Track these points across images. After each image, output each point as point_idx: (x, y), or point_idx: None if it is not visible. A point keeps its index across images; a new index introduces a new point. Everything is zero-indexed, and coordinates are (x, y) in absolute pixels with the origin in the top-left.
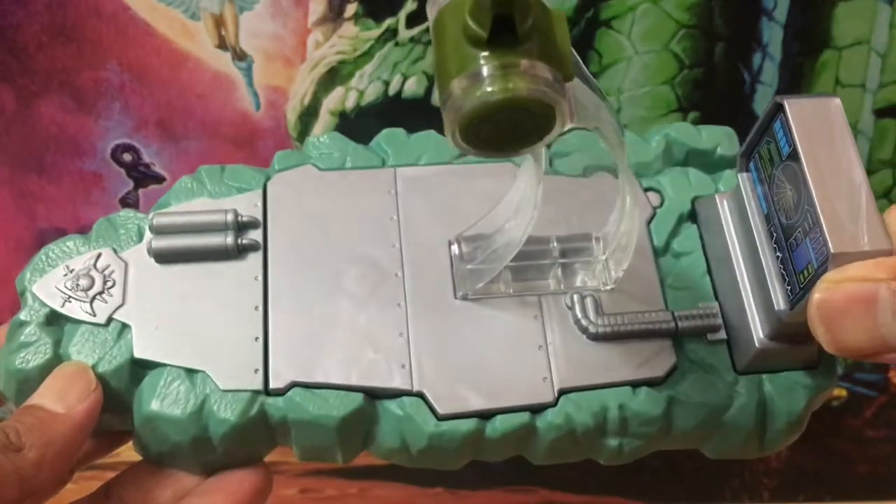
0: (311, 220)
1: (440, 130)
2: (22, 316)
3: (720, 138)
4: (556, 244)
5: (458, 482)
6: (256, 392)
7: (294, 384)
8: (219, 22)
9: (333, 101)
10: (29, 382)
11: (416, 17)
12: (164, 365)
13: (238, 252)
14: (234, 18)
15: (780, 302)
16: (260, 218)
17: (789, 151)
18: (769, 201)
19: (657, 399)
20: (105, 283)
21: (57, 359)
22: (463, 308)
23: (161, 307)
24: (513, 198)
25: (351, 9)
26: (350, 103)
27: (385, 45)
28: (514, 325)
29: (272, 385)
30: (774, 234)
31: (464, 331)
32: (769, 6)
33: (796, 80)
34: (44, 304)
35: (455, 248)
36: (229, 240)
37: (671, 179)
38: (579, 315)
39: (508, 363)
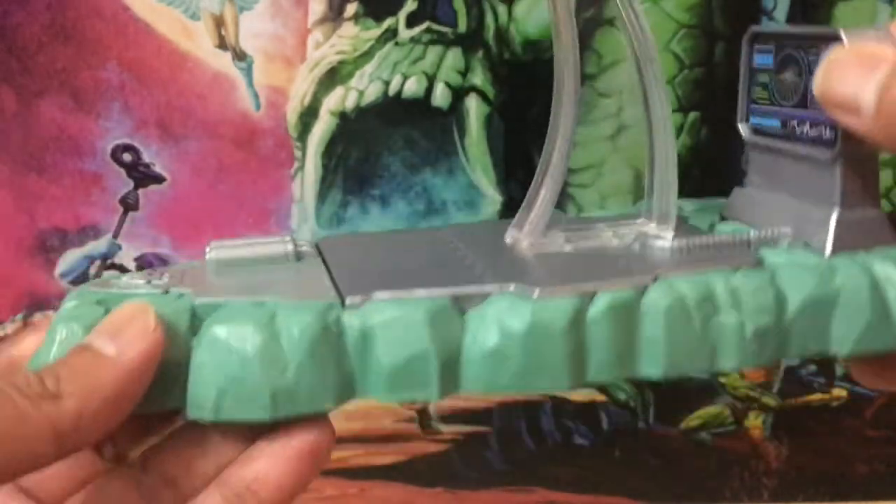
0: (365, 252)
1: (440, 130)
2: (67, 304)
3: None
4: (604, 226)
5: (458, 482)
6: (332, 304)
7: (371, 299)
8: (219, 22)
9: (333, 101)
10: None
11: (416, 17)
12: (227, 302)
13: (297, 258)
14: (234, 18)
15: (825, 153)
16: (313, 250)
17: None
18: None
19: (759, 274)
20: (161, 276)
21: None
22: (527, 252)
23: (219, 282)
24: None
25: (351, 9)
26: (350, 103)
27: (385, 45)
28: (589, 248)
29: (348, 300)
30: (793, 120)
31: (536, 256)
32: (769, 6)
33: None
34: (92, 293)
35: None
36: (289, 247)
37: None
38: (655, 230)
39: (595, 260)
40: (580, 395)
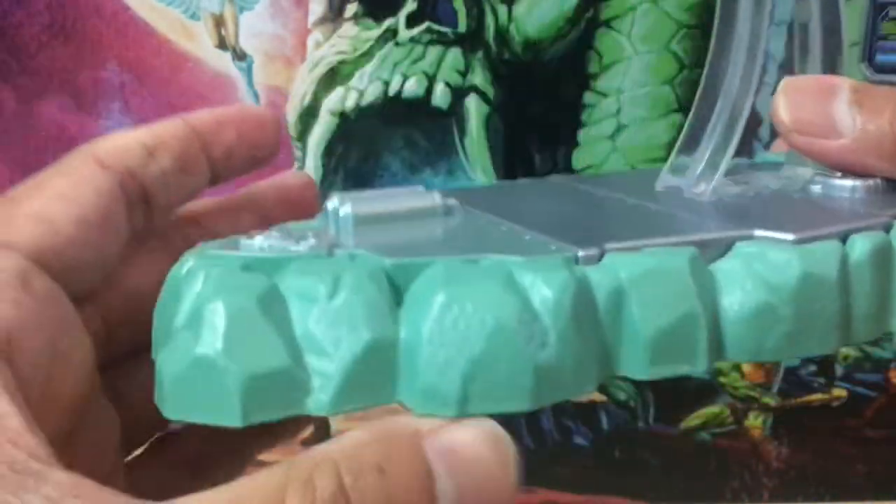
0: (508, 202)
1: (440, 130)
2: (196, 284)
3: None
4: (755, 172)
5: None
6: (568, 259)
7: (609, 250)
8: (219, 22)
9: (333, 101)
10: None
11: (416, 17)
12: (432, 262)
13: (445, 213)
14: (234, 18)
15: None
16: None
17: None
18: None
19: None
20: (303, 235)
21: (276, 290)
22: (720, 201)
23: (385, 238)
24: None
25: (351, 9)
26: (350, 103)
27: (385, 45)
28: (789, 196)
29: (581, 253)
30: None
31: (745, 204)
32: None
33: None
34: (231, 257)
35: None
36: (437, 199)
37: None
38: (841, 182)
39: (820, 207)
40: (580, 396)
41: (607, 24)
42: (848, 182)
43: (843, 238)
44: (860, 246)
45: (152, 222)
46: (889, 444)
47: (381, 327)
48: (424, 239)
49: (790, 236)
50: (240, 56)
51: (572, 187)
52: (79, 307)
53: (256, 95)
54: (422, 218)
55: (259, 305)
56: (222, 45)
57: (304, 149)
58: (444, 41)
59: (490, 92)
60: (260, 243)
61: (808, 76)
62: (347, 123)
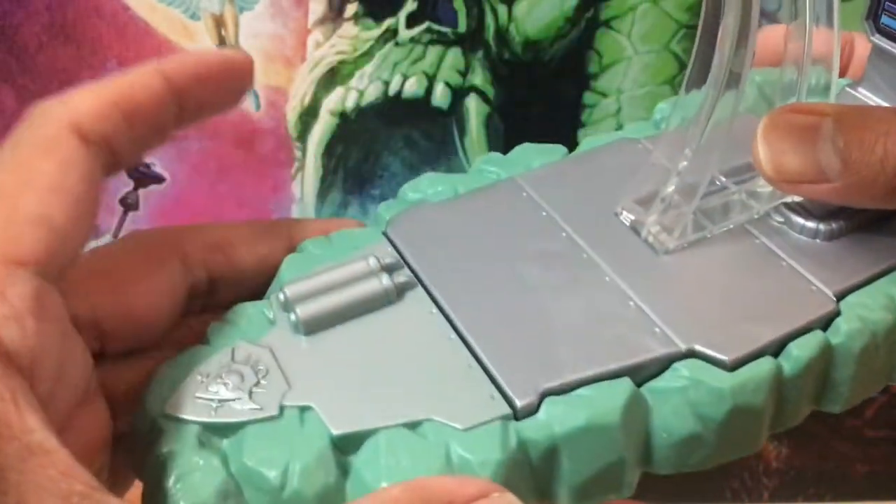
0: (456, 244)
1: (440, 130)
2: (163, 448)
3: None
4: (722, 178)
5: None
6: (506, 418)
7: (546, 392)
8: (219, 22)
9: (333, 101)
10: None
11: (416, 17)
12: (376, 431)
13: (397, 295)
14: (234, 18)
15: None
16: (399, 260)
17: None
18: None
19: None
20: (256, 372)
21: (231, 479)
22: (674, 262)
23: (335, 377)
24: (671, 139)
25: (351, 9)
26: (350, 103)
27: (385, 45)
28: (740, 255)
29: (520, 404)
30: None
31: (693, 279)
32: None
33: None
34: (188, 423)
35: (627, 214)
36: (385, 282)
37: None
38: (802, 221)
39: (762, 289)
40: None
41: (607, 24)
42: (811, 224)
43: (780, 347)
44: (795, 357)
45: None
46: (889, 444)
47: (327, 498)
48: (381, 374)
49: (725, 358)
50: None
51: (521, 205)
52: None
53: (256, 95)
54: (372, 311)
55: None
56: (222, 45)
57: (304, 149)
58: (444, 41)
59: (490, 92)
60: (216, 395)
61: (785, 113)
62: (347, 123)
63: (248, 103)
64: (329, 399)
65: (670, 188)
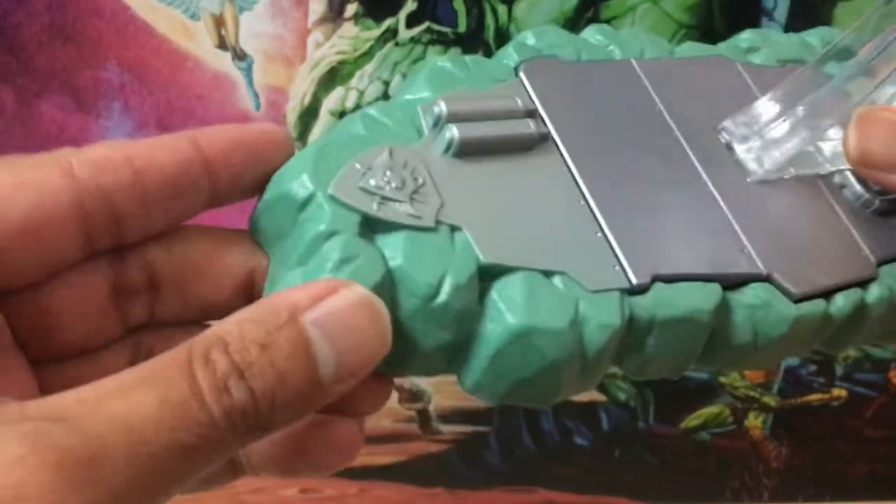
0: (582, 111)
1: None
2: (323, 226)
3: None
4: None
5: (458, 482)
6: (623, 291)
7: (656, 278)
8: (219, 22)
9: (333, 101)
10: None
11: (416, 17)
12: (517, 269)
13: (537, 143)
14: (234, 18)
15: None
16: (534, 107)
17: None
18: None
19: None
20: (415, 180)
21: (390, 278)
22: (759, 190)
23: (482, 206)
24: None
25: (351, 9)
26: (350, 103)
27: (385, 45)
28: (811, 203)
29: (636, 281)
30: None
31: (773, 211)
32: (769, 6)
33: None
34: (351, 210)
35: (726, 134)
36: (533, 127)
37: None
38: (862, 191)
39: (824, 239)
40: (580, 396)
41: (607, 24)
42: (868, 197)
43: (830, 294)
44: (840, 306)
45: (123, 241)
46: (889, 444)
47: (463, 331)
48: (512, 206)
49: (795, 291)
50: (240, 56)
51: (645, 103)
52: None
53: (256, 95)
54: (513, 151)
55: (374, 291)
56: (222, 45)
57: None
58: (444, 41)
59: None
60: (383, 187)
61: (883, 108)
62: None
63: (248, 103)
64: (478, 226)
65: (776, 128)
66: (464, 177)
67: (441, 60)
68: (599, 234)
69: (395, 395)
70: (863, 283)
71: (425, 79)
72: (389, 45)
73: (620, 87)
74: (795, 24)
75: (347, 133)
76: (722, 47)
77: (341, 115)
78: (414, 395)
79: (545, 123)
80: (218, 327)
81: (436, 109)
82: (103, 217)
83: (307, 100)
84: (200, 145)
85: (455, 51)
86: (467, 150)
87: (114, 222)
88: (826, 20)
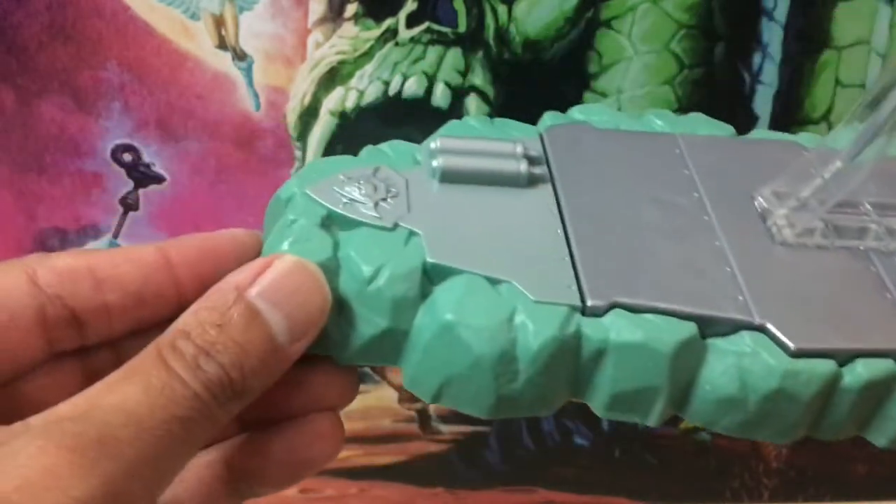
0: (597, 166)
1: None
2: (291, 215)
3: None
4: (868, 206)
5: (458, 482)
6: (573, 307)
7: (615, 304)
8: (219, 22)
9: (333, 101)
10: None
11: (416, 17)
12: (462, 272)
13: (528, 182)
14: (234, 18)
15: None
16: (542, 156)
17: None
18: None
19: None
20: (388, 191)
21: (335, 261)
22: (785, 253)
23: (450, 220)
24: (824, 154)
25: (351, 9)
26: (350, 103)
27: (385, 46)
28: (850, 272)
29: (590, 302)
30: None
31: (796, 273)
32: (769, 6)
33: (796, 80)
34: (319, 205)
35: (761, 200)
36: (522, 167)
37: None
38: None
39: (856, 305)
40: None
41: (607, 24)
42: None
43: (848, 359)
44: (858, 374)
45: (86, 343)
46: None
47: (397, 321)
48: (489, 231)
49: (791, 344)
50: (240, 56)
51: (674, 164)
52: None
53: (256, 95)
54: (502, 185)
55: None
56: (222, 45)
57: (304, 149)
58: (444, 41)
59: (490, 92)
60: (350, 193)
61: None
62: (347, 123)
63: (248, 103)
64: (436, 233)
65: (810, 190)
66: (441, 196)
67: (469, 118)
68: (566, 259)
69: (395, 395)
70: None
71: (444, 128)
72: (389, 45)
73: (652, 151)
74: (795, 23)
75: (349, 157)
76: (804, 137)
77: (341, 115)
78: (414, 395)
79: (550, 171)
80: (177, 322)
81: (432, 144)
82: (65, 323)
83: (307, 100)
84: (169, 255)
85: (455, 51)
86: (451, 178)
87: (75, 328)
88: (826, 20)
